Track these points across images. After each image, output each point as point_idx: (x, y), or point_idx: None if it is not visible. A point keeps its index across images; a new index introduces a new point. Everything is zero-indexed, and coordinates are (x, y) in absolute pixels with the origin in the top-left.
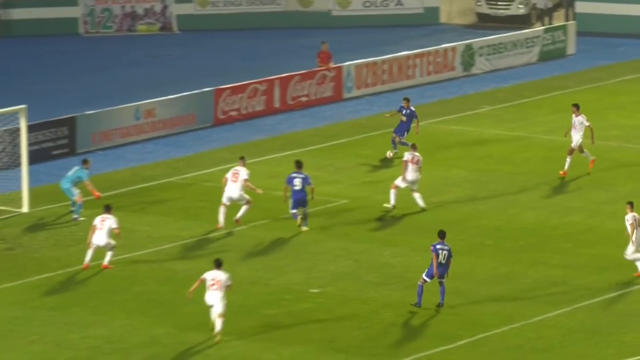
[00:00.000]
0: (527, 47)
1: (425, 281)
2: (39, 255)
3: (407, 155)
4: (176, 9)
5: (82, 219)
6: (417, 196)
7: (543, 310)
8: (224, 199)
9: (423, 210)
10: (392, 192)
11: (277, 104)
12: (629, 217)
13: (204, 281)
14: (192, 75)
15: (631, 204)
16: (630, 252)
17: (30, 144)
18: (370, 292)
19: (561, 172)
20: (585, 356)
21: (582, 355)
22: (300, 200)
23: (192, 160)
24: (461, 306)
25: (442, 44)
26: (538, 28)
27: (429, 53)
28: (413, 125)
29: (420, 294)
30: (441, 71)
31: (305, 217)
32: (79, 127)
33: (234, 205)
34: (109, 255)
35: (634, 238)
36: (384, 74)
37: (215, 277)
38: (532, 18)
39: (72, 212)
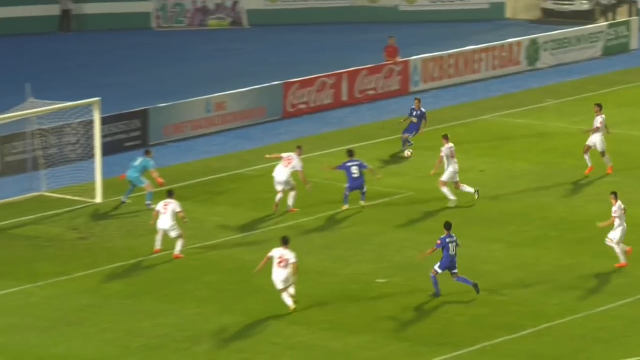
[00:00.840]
0: (591, 42)
1: (437, 272)
2: (111, 244)
3: (445, 150)
4: (246, 4)
5: (153, 206)
6: (464, 187)
7: (606, 300)
8: (277, 187)
9: (477, 192)
10: (445, 190)
11: (345, 98)
12: (616, 209)
13: (270, 259)
14: (262, 69)
15: (615, 194)
16: (615, 239)
17: (103, 136)
18: None
19: (608, 170)
20: None
21: None
22: (359, 185)
23: (262, 152)
24: (525, 297)
25: (507, 39)
26: (602, 23)
27: (494, 48)
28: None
29: (435, 284)
30: (506, 65)
31: (363, 193)
32: (151, 119)
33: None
34: (179, 245)
35: (620, 229)
36: (450, 68)
37: (282, 255)
38: (596, 14)
39: (125, 195)
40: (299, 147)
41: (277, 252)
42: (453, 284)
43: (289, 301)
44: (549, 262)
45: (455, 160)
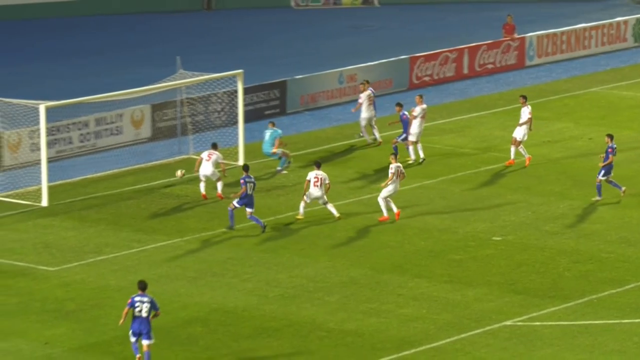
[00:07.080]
0: None
1: (236, 207)
2: None
3: (417, 110)
4: None
5: (284, 172)
6: (419, 147)
7: None
8: (363, 121)
9: (423, 160)
10: (411, 148)
11: (465, 71)
12: (393, 167)
13: (309, 181)
14: (390, 44)
15: (395, 155)
16: (384, 195)
17: (245, 105)
18: (547, 241)
19: (526, 162)
20: None
21: None
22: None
23: (389, 120)
24: (629, 254)
25: (615, 18)
26: None
27: (603, 26)
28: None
29: (231, 217)
30: (614, 42)
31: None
32: (289, 90)
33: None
34: (219, 186)
35: (392, 187)
36: (562, 44)
37: (317, 175)
38: None
39: (281, 169)
40: (363, 84)
41: (312, 174)
42: (564, 243)
43: (333, 210)
44: None
45: (423, 121)
